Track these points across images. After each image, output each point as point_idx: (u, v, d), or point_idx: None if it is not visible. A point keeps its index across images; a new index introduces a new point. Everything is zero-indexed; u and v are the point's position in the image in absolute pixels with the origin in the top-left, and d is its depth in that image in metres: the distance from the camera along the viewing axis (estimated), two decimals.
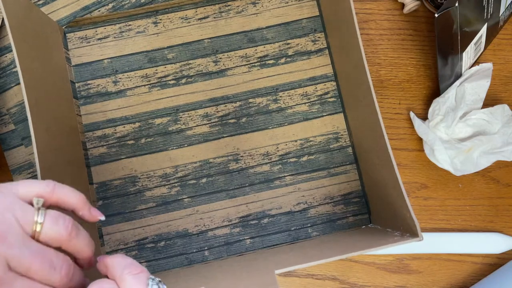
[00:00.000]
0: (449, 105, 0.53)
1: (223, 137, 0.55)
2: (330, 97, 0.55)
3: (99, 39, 0.56)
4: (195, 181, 0.54)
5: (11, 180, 0.55)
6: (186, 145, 0.54)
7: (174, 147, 0.54)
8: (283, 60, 0.56)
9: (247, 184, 0.54)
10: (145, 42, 0.56)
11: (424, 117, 0.56)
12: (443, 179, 0.55)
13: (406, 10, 0.57)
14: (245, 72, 0.56)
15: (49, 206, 0.34)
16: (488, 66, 0.55)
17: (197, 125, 0.55)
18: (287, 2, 0.56)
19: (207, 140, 0.55)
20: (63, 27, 0.55)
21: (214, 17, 0.56)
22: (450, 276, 0.54)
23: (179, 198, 0.54)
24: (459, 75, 0.54)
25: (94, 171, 0.54)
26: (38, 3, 0.56)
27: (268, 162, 0.54)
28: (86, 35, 0.56)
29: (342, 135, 0.55)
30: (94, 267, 0.35)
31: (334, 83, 0.55)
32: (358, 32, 0.42)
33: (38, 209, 0.32)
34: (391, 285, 0.54)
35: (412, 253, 0.54)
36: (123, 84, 0.55)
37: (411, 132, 0.55)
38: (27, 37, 0.44)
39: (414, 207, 0.54)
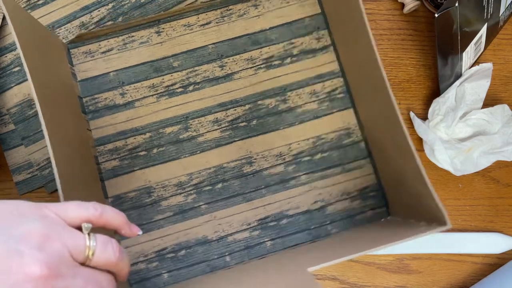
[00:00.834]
0: (449, 105, 0.53)
1: (235, 141, 0.54)
2: (338, 93, 0.55)
3: (103, 52, 0.55)
4: (210, 187, 0.54)
5: (10, 180, 0.54)
6: (198, 152, 0.54)
7: (187, 155, 0.54)
8: (288, 60, 0.56)
9: (262, 186, 0.54)
10: (150, 52, 0.55)
11: (424, 117, 0.56)
12: (443, 179, 0.55)
13: (406, 10, 0.57)
14: (251, 75, 0.55)
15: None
16: (488, 66, 0.55)
17: (208, 131, 0.55)
18: (288, 2, 0.56)
19: (219, 145, 0.54)
20: (66, 43, 0.55)
21: (217, 22, 0.56)
22: (450, 276, 0.54)
23: (195, 205, 0.53)
24: (459, 75, 0.55)
25: (108, 185, 0.53)
26: (38, 3, 0.56)
27: (282, 163, 0.54)
28: (89, 49, 0.55)
29: (353, 130, 0.55)
30: None
31: (342, 79, 0.55)
32: (367, 24, 0.42)
33: (88, 234, 0.32)
34: (391, 285, 0.54)
35: (412, 253, 0.54)
36: (130, 96, 0.55)
37: (411, 132, 0.55)
38: (35, 53, 0.43)
39: None
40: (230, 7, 0.56)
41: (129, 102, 0.55)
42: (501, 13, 0.53)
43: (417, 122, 0.54)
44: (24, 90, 0.55)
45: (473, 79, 0.54)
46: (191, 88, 0.55)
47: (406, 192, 0.46)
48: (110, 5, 0.56)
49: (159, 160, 0.54)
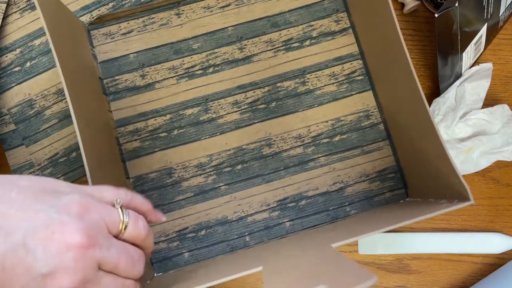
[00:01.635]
0: (449, 105, 0.53)
1: (254, 123, 0.55)
2: (357, 76, 0.55)
3: (123, 34, 0.56)
4: (230, 169, 0.54)
5: None
6: (218, 133, 0.55)
7: (207, 136, 0.55)
8: (308, 42, 0.56)
9: (282, 168, 0.54)
10: (170, 34, 0.56)
11: None
12: None
13: (406, 10, 0.57)
14: (271, 57, 0.56)
15: None
16: (488, 66, 0.55)
17: (228, 113, 0.55)
18: None
19: (238, 127, 0.55)
20: (87, 25, 0.55)
21: (236, 5, 0.56)
22: (450, 276, 0.54)
23: (216, 186, 0.54)
24: (459, 75, 0.54)
25: (130, 166, 0.54)
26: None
27: (301, 145, 0.55)
28: (110, 31, 0.56)
29: (372, 112, 0.55)
30: None
31: (361, 61, 0.55)
32: (391, 4, 0.42)
33: (121, 209, 0.34)
34: (391, 285, 0.54)
35: (412, 253, 0.54)
36: (151, 77, 0.55)
37: None
38: (61, 35, 0.44)
39: None
40: None
41: (149, 84, 0.55)
42: (501, 13, 0.53)
43: None
44: (24, 90, 0.55)
45: (473, 79, 0.54)
46: (210, 70, 0.55)
47: (426, 172, 0.46)
48: (110, 5, 0.56)
49: (180, 141, 0.54)
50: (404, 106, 0.47)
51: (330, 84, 0.55)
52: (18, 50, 0.55)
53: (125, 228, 0.33)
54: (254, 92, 0.55)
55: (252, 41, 0.56)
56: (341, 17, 0.56)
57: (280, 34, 0.56)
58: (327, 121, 0.55)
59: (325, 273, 0.28)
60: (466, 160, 0.52)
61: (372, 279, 0.23)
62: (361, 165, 0.54)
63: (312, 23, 0.56)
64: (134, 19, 0.56)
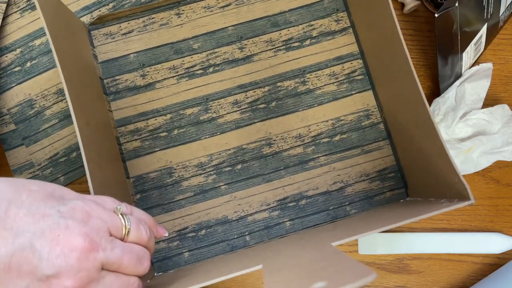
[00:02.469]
0: (449, 105, 0.53)
1: (254, 122, 0.55)
2: (358, 75, 0.55)
3: (123, 34, 0.56)
4: (230, 168, 0.54)
5: None
6: (218, 133, 0.55)
7: (207, 136, 0.55)
8: (308, 42, 0.56)
9: (282, 167, 0.54)
10: (170, 34, 0.56)
11: None
12: None
13: (406, 10, 0.57)
14: (271, 57, 0.56)
15: None
16: (488, 66, 0.55)
17: (228, 113, 0.55)
18: None
19: (238, 127, 0.55)
20: (87, 25, 0.55)
21: (236, 4, 0.56)
22: (450, 276, 0.54)
23: (216, 186, 0.54)
24: (459, 75, 0.54)
25: (130, 165, 0.54)
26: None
27: (301, 144, 0.55)
28: (110, 31, 0.56)
29: (372, 112, 0.55)
30: None
31: (361, 61, 0.56)
32: (391, 4, 0.42)
33: (122, 214, 0.35)
34: (391, 285, 0.54)
35: (412, 253, 0.54)
36: (151, 77, 0.55)
37: None
38: (61, 35, 0.44)
39: None
40: None
41: (150, 84, 0.55)
42: (501, 13, 0.53)
43: None
44: (24, 90, 0.55)
45: (473, 79, 0.54)
46: (211, 70, 0.56)
47: (426, 172, 0.46)
48: (111, 5, 0.56)
49: (180, 141, 0.54)
50: (404, 105, 0.47)
51: (330, 83, 0.55)
52: (18, 50, 0.56)
53: (127, 234, 0.35)
54: (254, 91, 0.55)
55: (252, 40, 0.56)
56: (341, 17, 0.56)
57: (280, 33, 0.56)
58: (327, 121, 0.55)
59: (324, 270, 0.28)
60: (466, 160, 0.52)
61: (372, 276, 0.23)
62: (361, 164, 0.54)
63: (312, 22, 0.56)
64: (135, 19, 0.56)
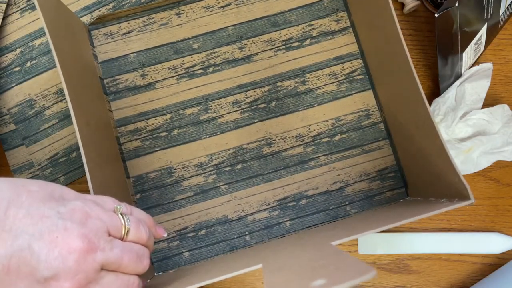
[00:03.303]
0: (449, 105, 0.53)
1: (254, 122, 0.55)
2: (357, 75, 0.55)
3: (123, 34, 0.56)
4: (230, 168, 0.54)
5: None
6: (218, 133, 0.55)
7: (207, 136, 0.55)
8: (308, 42, 0.56)
9: (282, 167, 0.54)
10: (170, 34, 0.56)
11: None
12: None
13: (406, 10, 0.57)
14: (271, 57, 0.56)
15: None
16: (488, 66, 0.55)
17: (228, 113, 0.55)
18: None
19: (238, 127, 0.55)
20: (87, 25, 0.55)
21: (236, 4, 0.56)
22: (450, 276, 0.54)
23: (216, 185, 0.54)
24: (459, 75, 0.54)
25: (130, 165, 0.54)
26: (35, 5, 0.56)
27: (301, 144, 0.55)
28: (110, 31, 0.56)
29: (372, 111, 0.55)
30: None
31: (361, 61, 0.56)
32: (391, 3, 0.42)
33: (121, 214, 0.35)
34: (391, 285, 0.54)
35: (412, 253, 0.54)
36: (151, 77, 0.55)
37: None
38: (61, 35, 0.44)
39: None
40: None
41: (150, 84, 0.55)
42: (501, 13, 0.53)
43: None
44: (24, 90, 0.55)
45: (473, 79, 0.54)
46: (211, 69, 0.56)
47: (426, 171, 0.46)
48: (111, 5, 0.56)
49: (180, 141, 0.54)
50: (404, 105, 0.47)
51: (330, 83, 0.55)
52: (18, 50, 0.56)
53: (127, 233, 0.35)
54: (254, 91, 0.55)
55: (252, 40, 0.56)
56: (341, 17, 0.56)
57: (280, 33, 0.56)
58: (327, 121, 0.55)
59: (324, 268, 0.28)
60: (466, 160, 0.52)
61: (371, 273, 0.23)
62: (361, 164, 0.54)
63: (312, 22, 0.56)
64: (134, 19, 0.56)
